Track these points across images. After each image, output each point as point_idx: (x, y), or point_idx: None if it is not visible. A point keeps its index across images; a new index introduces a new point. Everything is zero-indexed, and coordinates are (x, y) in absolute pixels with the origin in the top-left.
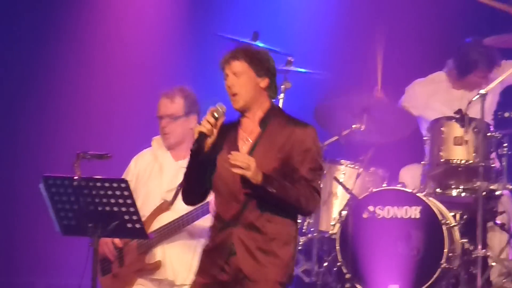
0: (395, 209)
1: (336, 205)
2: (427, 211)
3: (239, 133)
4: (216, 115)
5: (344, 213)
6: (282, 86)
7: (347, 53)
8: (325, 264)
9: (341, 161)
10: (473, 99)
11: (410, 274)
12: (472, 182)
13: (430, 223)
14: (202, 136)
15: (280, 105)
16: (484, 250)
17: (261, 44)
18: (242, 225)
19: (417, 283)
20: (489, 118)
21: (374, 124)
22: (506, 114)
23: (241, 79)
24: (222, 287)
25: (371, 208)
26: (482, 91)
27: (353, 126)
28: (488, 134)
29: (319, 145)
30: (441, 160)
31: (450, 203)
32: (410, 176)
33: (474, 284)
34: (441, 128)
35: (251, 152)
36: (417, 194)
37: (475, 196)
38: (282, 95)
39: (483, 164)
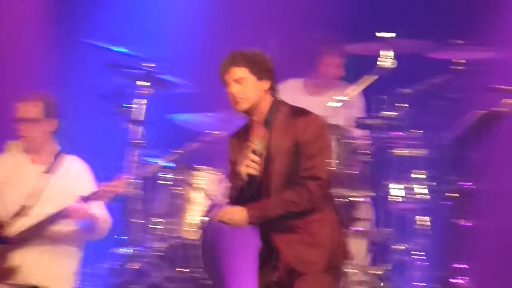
0: None
1: (196, 211)
2: None
3: (251, 135)
4: (257, 152)
5: (206, 219)
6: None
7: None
8: (187, 270)
9: (203, 167)
10: (334, 105)
11: None
12: (334, 189)
13: None
14: (253, 177)
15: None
16: None
17: (124, 50)
18: (273, 225)
19: None
20: (350, 126)
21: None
22: (368, 121)
23: (243, 85)
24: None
25: None
26: (344, 98)
27: (215, 132)
28: (350, 141)
29: (323, 131)
30: None
31: None
32: None
33: None
34: None
35: (268, 155)
36: None
37: (338, 203)
38: (145, 101)
39: (344, 171)
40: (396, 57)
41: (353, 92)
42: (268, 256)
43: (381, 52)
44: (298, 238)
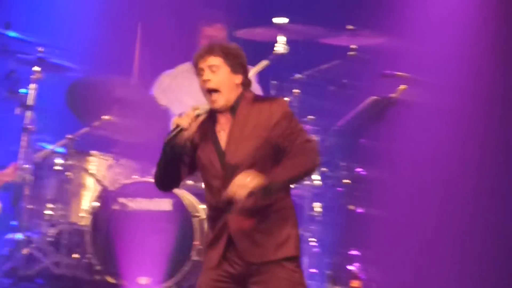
0: (146, 201)
1: (87, 197)
2: (178, 203)
3: (217, 123)
4: (197, 112)
5: (95, 205)
6: None
7: (104, 45)
8: (75, 256)
9: (92, 152)
10: None
11: (161, 267)
12: None
13: (181, 216)
14: (179, 128)
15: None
16: None
17: (13, 34)
18: (235, 211)
19: (168, 276)
20: None
21: (127, 115)
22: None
23: (217, 74)
24: (235, 279)
25: (121, 200)
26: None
27: (104, 117)
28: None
29: (290, 110)
30: None
31: (202, 196)
32: None
33: None
34: None
35: (229, 141)
36: None
37: None
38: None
39: None
40: (289, 42)
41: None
42: (219, 246)
43: (278, 38)
44: (255, 228)
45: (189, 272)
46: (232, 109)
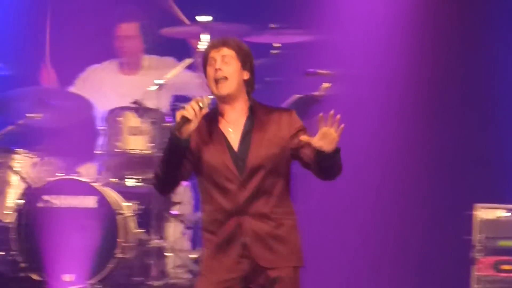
0: (70, 199)
1: (12, 194)
2: (102, 201)
3: (221, 122)
4: (201, 104)
5: (19, 202)
6: None
7: (27, 44)
8: (2, 253)
9: (17, 150)
10: (149, 89)
11: (86, 264)
12: (148, 172)
13: (106, 213)
14: (184, 120)
15: None
16: (159, 241)
17: None
18: (249, 214)
19: (92, 273)
20: (165, 109)
21: (50, 112)
22: (183, 105)
23: (229, 65)
24: (243, 281)
25: (46, 197)
26: (159, 81)
27: (28, 115)
28: (164, 124)
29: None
30: (118, 150)
31: (127, 193)
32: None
33: (149, 274)
34: (118, 118)
35: (243, 141)
36: (93, 184)
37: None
38: None
39: (159, 154)
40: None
41: (169, 75)
42: (229, 249)
43: (202, 36)
44: (269, 233)
45: (113, 269)
46: (251, 113)
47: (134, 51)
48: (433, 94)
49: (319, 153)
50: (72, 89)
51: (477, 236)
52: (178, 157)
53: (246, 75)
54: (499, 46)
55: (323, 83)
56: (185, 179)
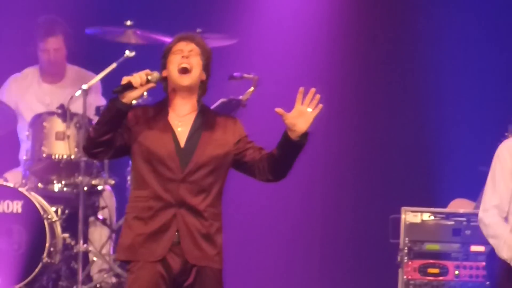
0: None
1: None
2: (28, 205)
3: (170, 115)
4: (149, 77)
5: None
6: None
7: None
8: None
9: None
10: (76, 94)
11: (11, 269)
12: (74, 177)
13: (32, 218)
14: (129, 85)
15: None
16: (85, 245)
17: None
18: (186, 208)
19: (18, 278)
20: (91, 114)
21: None
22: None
23: (193, 59)
24: (170, 279)
25: None
26: (84, 87)
27: None
28: (90, 129)
29: None
30: (43, 155)
31: (53, 198)
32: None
33: (75, 279)
34: (43, 123)
35: (191, 137)
36: (19, 189)
37: (77, 191)
38: None
39: (84, 159)
40: (137, 47)
41: (94, 80)
42: (159, 240)
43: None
44: (200, 231)
45: (40, 273)
46: (201, 113)
47: (60, 62)
48: (360, 96)
49: (286, 135)
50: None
51: (404, 240)
52: (115, 121)
53: (203, 76)
54: (426, 45)
55: (249, 88)
56: (113, 151)
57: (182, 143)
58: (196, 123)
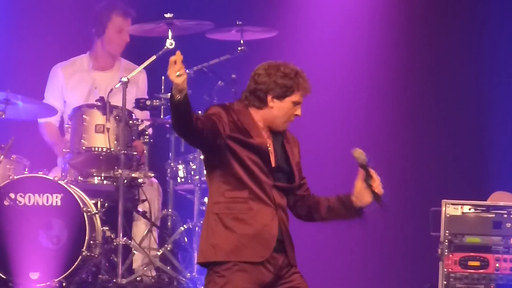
0: (36, 197)
1: None
2: (68, 198)
3: (257, 125)
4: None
5: None
6: None
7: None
8: None
9: None
10: (116, 86)
11: (51, 262)
12: (114, 170)
13: (72, 211)
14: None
15: None
16: (125, 238)
17: None
18: (281, 208)
19: (58, 271)
20: (130, 106)
21: (15, 111)
22: (148, 102)
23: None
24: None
25: (12, 195)
26: (124, 79)
27: None
28: (130, 122)
29: None
30: (83, 148)
31: (92, 191)
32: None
33: (115, 272)
34: (83, 116)
35: (280, 149)
36: (59, 182)
37: (117, 184)
38: None
39: (124, 152)
40: (176, 38)
41: (134, 72)
42: (263, 242)
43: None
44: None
45: (80, 267)
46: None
47: (123, 46)
48: (401, 90)
49: (350, 199)
50: (46, 91)
51: (444, 232)
52: (179, 105)
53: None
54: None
55: None
56: (197, 127)
57: (277, 153)
58: (278, 137)
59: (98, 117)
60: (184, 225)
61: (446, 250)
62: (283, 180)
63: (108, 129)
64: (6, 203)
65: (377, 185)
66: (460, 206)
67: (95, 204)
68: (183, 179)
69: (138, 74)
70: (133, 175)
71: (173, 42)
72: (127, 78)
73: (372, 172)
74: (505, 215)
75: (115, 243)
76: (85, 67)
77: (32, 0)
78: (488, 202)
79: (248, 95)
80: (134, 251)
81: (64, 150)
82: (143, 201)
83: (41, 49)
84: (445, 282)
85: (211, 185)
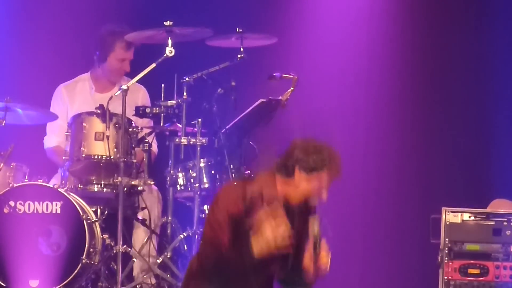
0: (36, 204)
1: None
2: (68, 206)
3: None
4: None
5: None
6: None
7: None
8: None
9: None
10: (115, 94)
11: (51, 270)
12: (113, 177)
13: (71, 218)
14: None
15: None
16: (125, 246)
17: None
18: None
19: (57, 278)
20: (130, 114)
21: (15, 117)
22: (148, 110)
23: None
24: None
25: (12, 203)
26: (124, 87)
27: None
28: (130, 129)
29: None
30: (83, 156)
31: (92, 199)
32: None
33: (115, 280)
34: (83, 124)
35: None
36: (58, 189)
37: (116, 191)
38: None
39: (124, 159)
40: (175, 45)
41: (134, 80)
42: None
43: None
44: None
45: (79, 274)
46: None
47: (121, 74)
48: (401, 95)
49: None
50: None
51: (444, 240)
52: None
53: None
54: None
55: (289, 88)
56: None
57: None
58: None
59: (97, 125)
60: (184, 233)
61: (446, 258)
62: None
63: (107, 137)
64: (5, 210)
65: (324, 261)
66: (460, 213)
67: (95, 212)
68: (182, 187)
69: (137, 91)
70: (132, 182)
71: (173, 50)
72: (127, 86)
73: (323, 245)
74: (505, 223)
75: (114, 251)
76: (87, 89)
77: (33, 9)
78: (488, 210)
79: None
80: (134, 259)
81: (63, 157)
82: (143, 208)
83: (41, 56)
84: None
85: None
